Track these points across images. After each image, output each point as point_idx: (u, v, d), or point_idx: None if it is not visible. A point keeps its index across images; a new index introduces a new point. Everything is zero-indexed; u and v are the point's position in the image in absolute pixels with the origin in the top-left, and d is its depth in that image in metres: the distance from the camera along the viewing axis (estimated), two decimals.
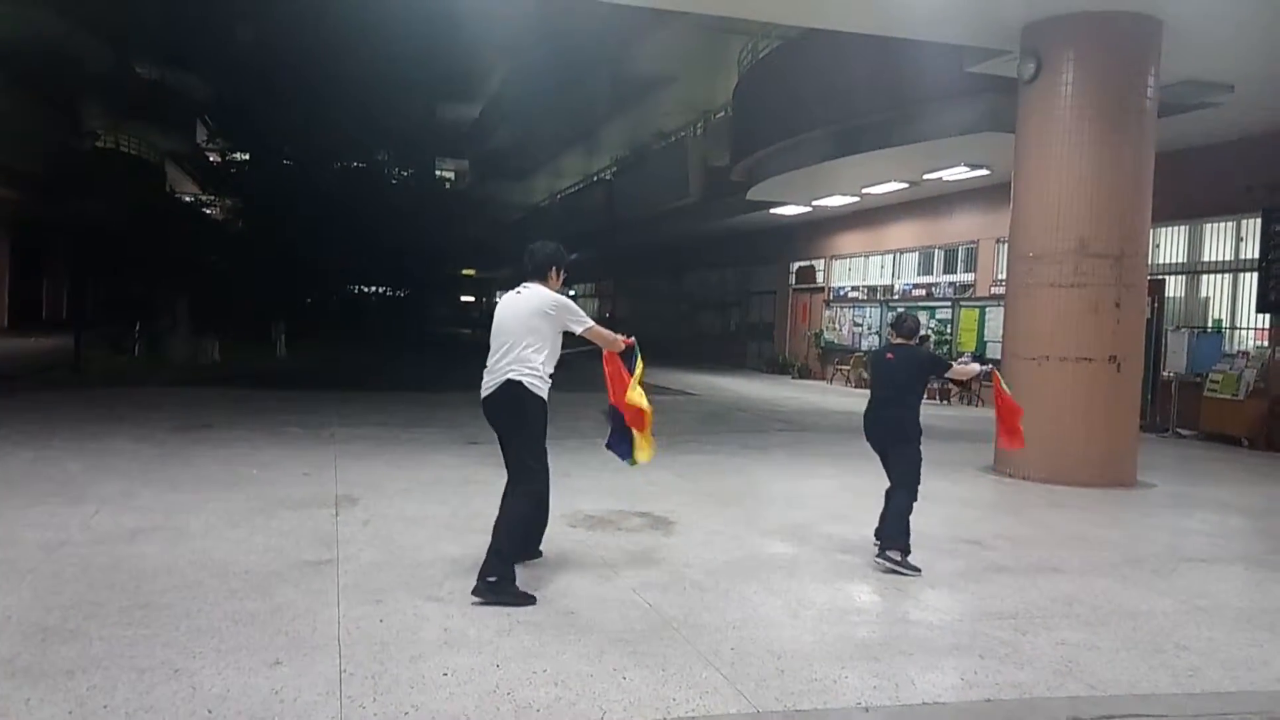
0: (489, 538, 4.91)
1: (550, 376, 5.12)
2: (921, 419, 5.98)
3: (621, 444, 5.55)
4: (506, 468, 5.17)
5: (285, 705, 3.48)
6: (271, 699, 3.52)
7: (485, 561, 4.82)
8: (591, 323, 5.26)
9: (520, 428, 5.05)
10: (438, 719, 3.42)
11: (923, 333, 7.37)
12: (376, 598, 4.76)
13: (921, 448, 5.94)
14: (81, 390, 14.41)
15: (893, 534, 5.75)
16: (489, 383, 5.07)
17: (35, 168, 28.21)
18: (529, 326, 5.03)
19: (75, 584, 4.82)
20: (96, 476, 7.67)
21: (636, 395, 5.40)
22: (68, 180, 28.69)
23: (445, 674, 3.82)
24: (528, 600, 4.76)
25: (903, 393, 6.01)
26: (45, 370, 17.39)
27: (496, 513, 5.02)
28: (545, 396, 5.07)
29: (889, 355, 6.12)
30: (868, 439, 6.14)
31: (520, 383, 4.98)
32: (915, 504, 5.83)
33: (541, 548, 5.50)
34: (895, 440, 5.96)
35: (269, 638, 4.15)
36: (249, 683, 3.66)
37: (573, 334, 5.22)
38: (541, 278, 5.25)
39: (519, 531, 5.02)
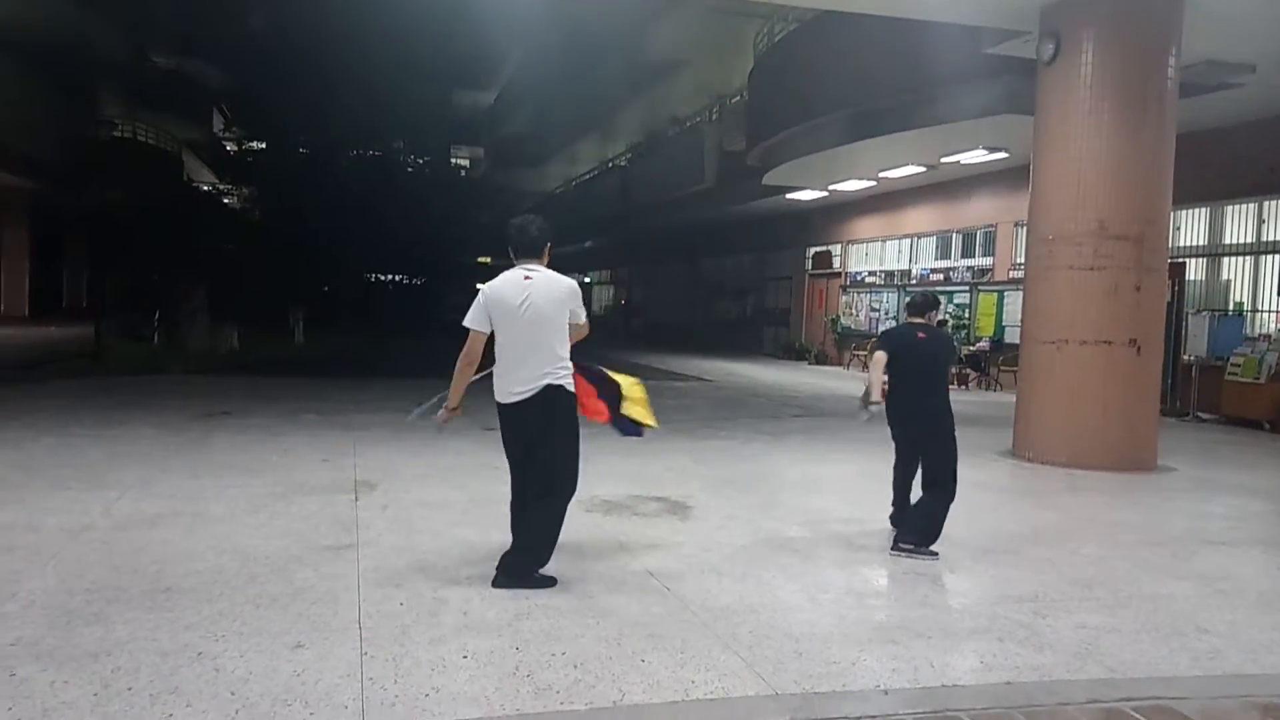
0: (507, 522, 4.91)
1: None
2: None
3: (629, 425, 5.23)
4: (529, 470, 4.84)
5: (307, 687, 3.50)
6: (293, 681, 3.55)
7: (516, 557, 4.74)
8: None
9: (562, 433, 4.74)
10: (458, 701, 3.44)
11: (940, 316, 6.97)
12: (396, 581, 4.79)
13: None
14: (102, 378, 14.52)
15: (915, 528, 5.60)
16: (524, 387, 4.65)
17: (53, 157, 28.39)
18: (551, 318, 4.67)
19: (98, 568, 4.87)
20: (118, 463, 7.74)
21: (633, 402, 5.14)
22: (86, 169, 28.84)
23: (465, 656, 3.84)
24: (548, 582, 4.76)
25: (940, 378, 5.75)
26: (66, 359, 17.53)
27: (511, 496, 4.99)
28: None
29: (920, 335, 5.80)
30: (894, 427, 5.88)
31: (561, 387, 4.68)
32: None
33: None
34: (935, 434, 5.69)
35: (290, 621, 4.19)
36: (271, 665, 3.69)
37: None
38: (538, 256, 4.82)
39: (555, 535, 4.83)
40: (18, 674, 3.53)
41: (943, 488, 5.65)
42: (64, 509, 6.10)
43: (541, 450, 4.78)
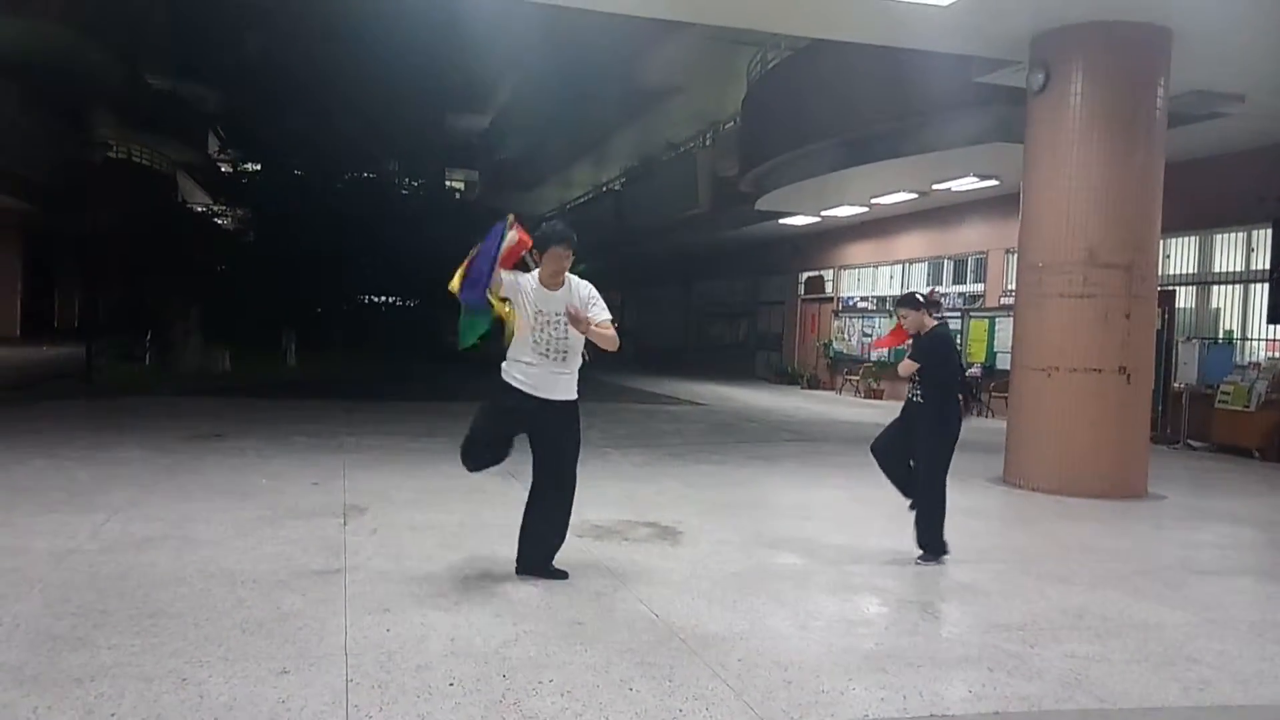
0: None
1: (520, 360, 5.21)
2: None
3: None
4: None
5: (292, 714, 3.48)
6: (279, 708, 3.52)
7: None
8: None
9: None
10: None
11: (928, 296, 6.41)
12: (384, 606, 4.76)
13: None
14: (92, 399, 14.46)
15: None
16: None
17: (48, 179, 28.41)
18: None
19: (84, 592, 4.84)
20: (106, 485, 7.70)
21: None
22: (80, 191, 28.87)
23: (451, 684, 3.82)
24: (560, 574, 5.25)
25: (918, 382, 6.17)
26: (56, 379, 17.47)
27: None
28: (508, 380, 5.23)
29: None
30: None
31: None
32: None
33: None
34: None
35: (276, 647, 4.16)
36: (256, 691, 3.66)
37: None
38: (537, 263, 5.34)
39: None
40: (0, 700, 3.50)
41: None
42: (51, 531, 6.06)
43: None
